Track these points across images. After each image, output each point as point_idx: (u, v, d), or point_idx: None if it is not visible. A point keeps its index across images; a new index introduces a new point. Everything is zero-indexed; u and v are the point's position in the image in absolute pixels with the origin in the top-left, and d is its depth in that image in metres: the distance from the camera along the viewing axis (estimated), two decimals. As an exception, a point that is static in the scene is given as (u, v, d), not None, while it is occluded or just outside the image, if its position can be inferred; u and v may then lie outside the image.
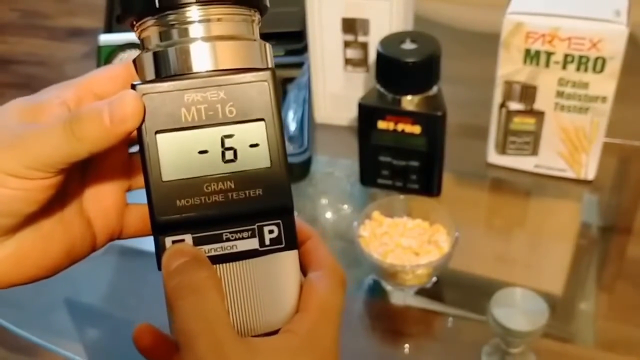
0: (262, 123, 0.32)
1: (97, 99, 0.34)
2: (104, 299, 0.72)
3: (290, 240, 0.33)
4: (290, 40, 0.95)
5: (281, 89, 0.88)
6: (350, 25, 0.78)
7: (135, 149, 0.34)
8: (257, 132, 0.32)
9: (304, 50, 0.90)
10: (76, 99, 0.34)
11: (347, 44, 0.80)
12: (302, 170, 0.78)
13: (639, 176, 0.81)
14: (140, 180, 0.32)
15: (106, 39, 0.78)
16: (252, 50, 0.33)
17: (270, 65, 0.34)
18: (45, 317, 0.70)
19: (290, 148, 0.80)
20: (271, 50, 0.34)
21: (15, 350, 1.40)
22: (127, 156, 0.38)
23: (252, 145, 0.32)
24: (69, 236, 0.35)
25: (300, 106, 0.84)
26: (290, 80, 0.90)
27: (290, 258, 0.33)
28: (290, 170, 0.33)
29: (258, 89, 0.32)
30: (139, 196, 0.34)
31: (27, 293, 0.71)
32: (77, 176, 0.36)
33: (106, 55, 0.76)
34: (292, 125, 0.82)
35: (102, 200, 0.37)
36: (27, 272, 0.34)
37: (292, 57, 0.93)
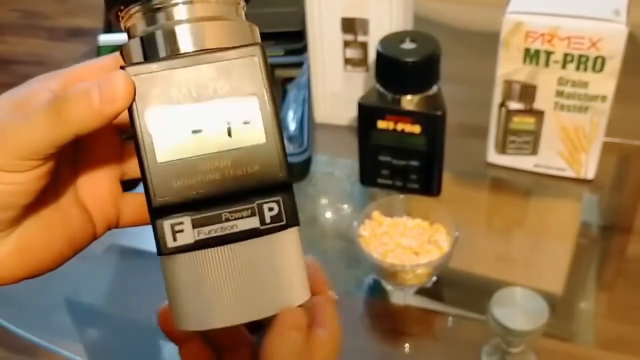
0: (254, 98, 0.31)
1: None
2: (104, 299, 0.72)
3: (291, 217, 0.32)
4: (289, 39, 0.95)
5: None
6: (350, 25, 0.78)
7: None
8: (250, 108, 0.31)
9: (303, 50, 0.90)
10: (63, 89, 0.33)
11: (346, 44, 0.80)
12: (302, 170, 0.78)
13: (638, 175, 0.81)
14: (133, 168, 0.32)
15: (106, 39, 0.78)
16: (239, 29, 0.33)
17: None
18: (46, 317, 0.70)
19: (290, 148, 0.80)
20: (258, 32, 0.34)
21: (15, 350, 1.40)
22: (118, 143, 0.37)
23: (246, 122, 0.31)
24: (68, 226, 0.35)
25: (300, 106, 0.84)
26: (289, 80, 0.90)
27: (292, 235, 0.33)
28: (285, 150, 0.32)
29: (248, 64, 0.31)
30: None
31: (27, 293, 0.71)
32: (68, 165, 0.36)
33: (106, 55, 0.76)
34: (292, 125, 0.82)
35: (96, 189, 0.37)
36: (31, 266, 0.34)
37: (291, 57, 0.93)
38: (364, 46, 0.79)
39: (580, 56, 0.68)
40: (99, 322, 0.69)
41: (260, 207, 0.32)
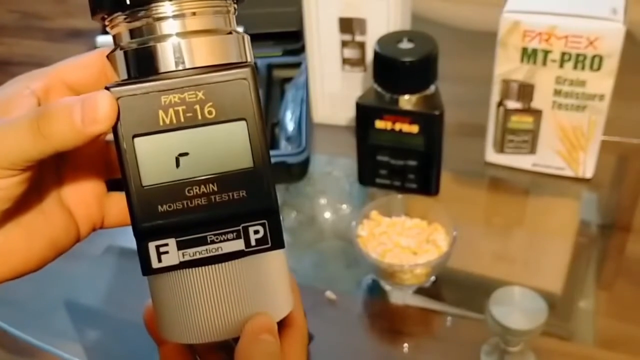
0: (243, 122, 0.31)
1: (67, 89, 0.33)
2: (104, 300, 0.72)
3: (276, 239, 0.32)
4: (287, 40, 0.95)
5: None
6: (348, 25, 0.78)
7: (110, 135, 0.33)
8: (238, 132, 0.31)
9: (301, 50, 0.90)
10: (45, 89, 0.33)
11: (344, 44, 0.80)
12: (300, 170, 0.78)
13: (637, 174, 0.81)
14: (119, 168, 0.31)
15: (104, 40, 0.78)
16: (230, 44, 0.31)
17: (249, 59, 0.32)
18: (45, 318, 0.70)
19: (288, 148, 0.80)
20: (249, 42, 0.33)
21: (14, 352, 1.40)
22: (104, 145, 0.37)
23: (233, 146, 0.31)
24: (51, 228, 0.34)
25: (298, 106, 0.84)
26: (288, 80, 0.90)
27: (277, 257, 0.33)
28: (274, 170, 0.32)
29: (238, 87, 0.30)
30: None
31: (27, 295, 0.71)
32: (52, 167, 0.35)
33: (104, 57, 0.76)
34: (290, 125, 0.82)
35: (80, 190, 0.36)
36: (15, 268, 0.33)
37: (289, 57, 0.94)
38: (361, 46, 0.79)
39: (578, 55, 0.68)
40: (98, 323, 0.69)
41: (245, 230, 0.31)
